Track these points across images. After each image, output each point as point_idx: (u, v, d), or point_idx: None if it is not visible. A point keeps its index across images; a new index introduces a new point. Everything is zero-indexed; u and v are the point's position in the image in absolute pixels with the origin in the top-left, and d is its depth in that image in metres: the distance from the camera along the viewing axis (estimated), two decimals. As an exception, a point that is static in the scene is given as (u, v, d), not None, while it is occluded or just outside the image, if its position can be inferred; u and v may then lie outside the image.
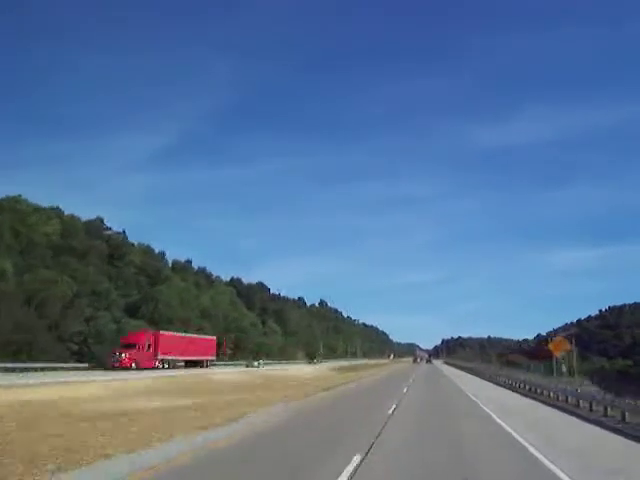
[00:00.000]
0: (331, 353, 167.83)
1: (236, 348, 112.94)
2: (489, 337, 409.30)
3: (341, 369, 79.18)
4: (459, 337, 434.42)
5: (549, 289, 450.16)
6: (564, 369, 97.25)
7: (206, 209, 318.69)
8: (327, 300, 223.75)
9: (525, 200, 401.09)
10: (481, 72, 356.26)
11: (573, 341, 48.26)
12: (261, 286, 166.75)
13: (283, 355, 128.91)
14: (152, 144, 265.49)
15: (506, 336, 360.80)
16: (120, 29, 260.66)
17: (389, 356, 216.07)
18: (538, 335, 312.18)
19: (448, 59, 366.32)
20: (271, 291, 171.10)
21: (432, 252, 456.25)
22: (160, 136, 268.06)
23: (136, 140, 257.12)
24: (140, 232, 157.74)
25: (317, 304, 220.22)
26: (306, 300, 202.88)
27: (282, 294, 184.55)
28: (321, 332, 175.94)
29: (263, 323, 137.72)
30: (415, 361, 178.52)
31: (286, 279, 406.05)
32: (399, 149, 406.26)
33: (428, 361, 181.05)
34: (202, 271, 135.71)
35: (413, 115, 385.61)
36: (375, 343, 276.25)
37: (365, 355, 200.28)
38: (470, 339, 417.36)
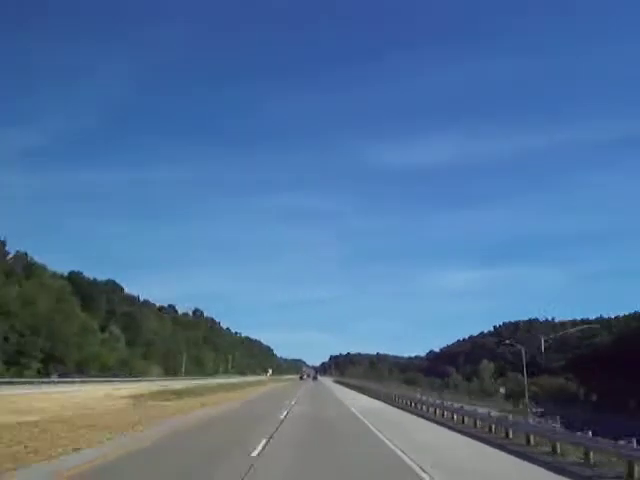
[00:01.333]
0: (197, 369, 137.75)
1: (50, 359, 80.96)
2: (378, 353, 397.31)
3: (176, 393, 49.91)
4: (348, 353, 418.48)
5: (439, 308, 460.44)
6: (502, 391, 71.74)
7: (84, 210, 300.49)
8: (203, 309, 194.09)
9: (423, 221, 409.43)
10: (390, 92, 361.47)
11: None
12: (112, 285, 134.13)
13: (126, 370, 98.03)
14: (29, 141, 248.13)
15: (395, 353, 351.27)
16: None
17: (266, 372, 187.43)
18: (430, 351, 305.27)
19: (358, 76, 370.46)
20: (129, 293, 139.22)
21: (332, 268, 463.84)
22: (39, 134, 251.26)
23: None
24: None
25: (191, 313, 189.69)
26: (178, 308, 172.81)
27: (144, 297, 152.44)
28: (191, 344, 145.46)
29: (102, 329, 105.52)
30: (302, 378, 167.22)
31: (175, 290, 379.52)
32: (305, 163, 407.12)
33: (314, 378, 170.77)
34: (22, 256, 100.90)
35: (321, 130, 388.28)
36: (257, 359, 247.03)
37: (243, 371, 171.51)
38: (359, 355, 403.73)
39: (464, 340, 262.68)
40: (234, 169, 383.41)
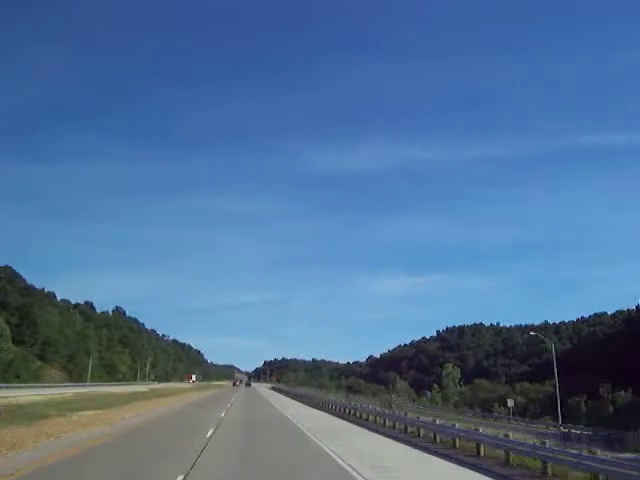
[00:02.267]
0: (108, 374, 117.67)
1: None
2: (314, 359, 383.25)
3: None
4: (283, 358, 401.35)
5: (373, 313, 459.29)
6: (510, 404, 57.77)
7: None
8: (125, 308, 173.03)
9: (355, 227, 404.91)
10: (328, 98, 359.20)
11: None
12: (9, 273, 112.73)
13: (10, 374, 77.80)
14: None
15: (332, 358, 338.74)
16: None
17: (189, 379, 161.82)
18: (370, 357, 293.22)
19: (298, 81, 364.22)
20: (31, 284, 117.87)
21: (263, 273, 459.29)
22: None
23: None
24: None
25: (111, 311, 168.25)
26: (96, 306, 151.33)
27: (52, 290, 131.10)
28: (104, 346, 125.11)
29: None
30: (235, 384, 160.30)
31: (97, 291, 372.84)
32: (238, 167, 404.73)
33: (247, 384, 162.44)
34: None
35: (255, 133, 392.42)
36: (184, 363, 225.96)
37: (168, 377, 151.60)
38: (295, 361, 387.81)
39: (406, 345, 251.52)
40: (162, 171, 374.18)
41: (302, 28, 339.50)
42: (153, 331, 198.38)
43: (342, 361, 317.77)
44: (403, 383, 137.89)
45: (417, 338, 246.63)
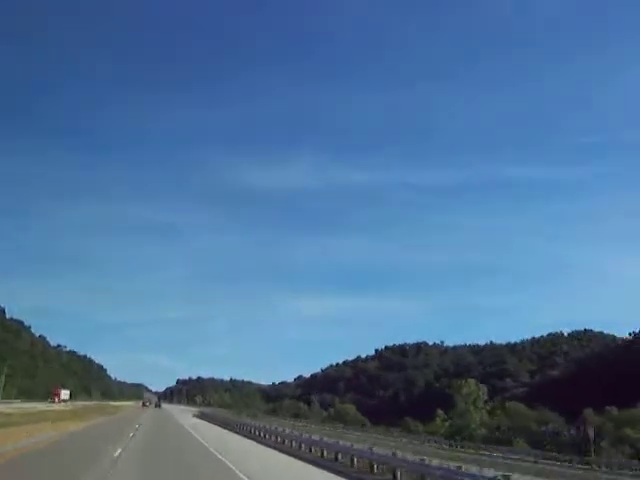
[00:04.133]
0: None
1: None
2: (232, 379, 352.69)
3: None
4: (199, 377, 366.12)
5: (296, 334, 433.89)
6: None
7: None
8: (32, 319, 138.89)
9: (281, 245, 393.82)
10: (260, 113, 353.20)
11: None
12: None
13: None
14: None
15: (252, 379, 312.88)
16: None
17: (56, 397, 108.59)
18: (299, 377, 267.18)
19: (230, 94, 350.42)
20: None
21: (180, 287, 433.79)
22: None
23: None
24: None
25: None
26: None
27: None
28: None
29: None
30: (145, 405, 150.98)
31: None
32: (164, 179, 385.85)
33: (157, 405, 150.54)
34: None
35: (183, 144, 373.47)
36: (81, 378, 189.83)
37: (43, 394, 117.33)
38: (213, 380, 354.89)
39: (339, 365, 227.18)
40: (81, 176, 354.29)
41: (239, 41, 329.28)
42: (41, 337, 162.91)
43: (264, 382, 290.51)
44: (350, 407, 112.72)
45: (350, 357, 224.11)
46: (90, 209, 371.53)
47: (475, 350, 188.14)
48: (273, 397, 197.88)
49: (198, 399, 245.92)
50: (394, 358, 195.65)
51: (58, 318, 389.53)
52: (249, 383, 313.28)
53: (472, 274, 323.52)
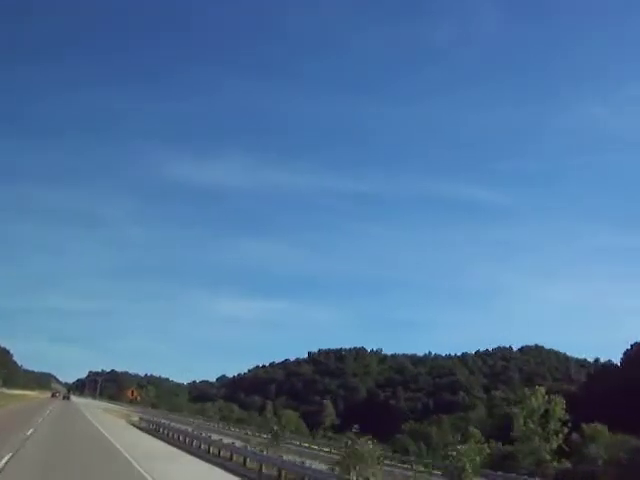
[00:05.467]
0: None
1: None
2: (148, 374, 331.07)
3: None
4: (112, 370, 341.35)
5: (216, 333, 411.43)
6: None
7: None
8: None
9: (205, 243, 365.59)
10: (197, 108, 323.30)
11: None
12: None
13: None
14: None
15: (167, 375, 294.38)
16: None
17: None
18: (222, 376, 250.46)
19: (167, 87, 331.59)
20: None
21: (96, 279, 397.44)
22: None
23: None
24: None
25: None
26: None
27: None
28: None
29: None
30: (54, 395, 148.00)
31: None
32: (87, 160, 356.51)
33: (66, 397, 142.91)
34: None
35: (112, 130, 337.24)
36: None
37: None
38: (127, 374, 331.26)
39: (268, 366, 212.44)
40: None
41: (179, 33, 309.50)
42: None
43: (182, 380, 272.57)
44: (292, 414, 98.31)
45: (279, 360, 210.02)
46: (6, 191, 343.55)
47: (415, 360, 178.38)
48: (196, 396, 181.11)
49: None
50: (330, 363, 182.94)
51: None
52: (167, 380, 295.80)
53: (391, 286, 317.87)
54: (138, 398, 66.27)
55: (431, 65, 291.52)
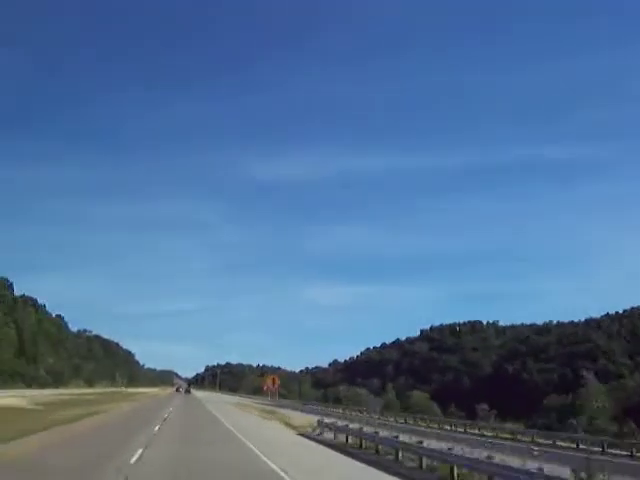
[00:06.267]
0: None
1: None
2: (261, 365, 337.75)
3: None
4: (227, 363, 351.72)
5: (317, 321, 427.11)
6: None
7: None
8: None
9: (297, 235, 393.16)
10: (269, 103, 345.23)
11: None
12: None
13: None
14: None
15: (279, 365, 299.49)
16: None
17: None
18: (334, 361, 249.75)
19: (231, 86, 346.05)
20: None
21: (202, 279, 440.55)
22: None
23: None
24: None
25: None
26: None
27: None
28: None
29: None
30: (178, 390, 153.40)
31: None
32: (172, 171, 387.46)
33: (187, 391, 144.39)
34: None
35: (194, 139, 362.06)
36: (101, 362, 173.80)
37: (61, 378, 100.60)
38: (241, 366, 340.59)
39: (381, 348, 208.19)
40: (98, 175, 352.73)
41: (243, 30, 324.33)
42: (59, 317, 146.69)
43: (294, 368, 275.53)
44: (420, 395, 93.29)
45: (389, 340, 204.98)
46: (118, 207, 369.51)
47: (537, 330, 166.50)
48: (314, 383, 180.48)
49: (224, 386, 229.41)
50: (445, 339, 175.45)
51: (87, 309, 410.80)
52: (279, 369, 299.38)
53: (490, 259, 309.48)
54: (277, 387, 56.37)
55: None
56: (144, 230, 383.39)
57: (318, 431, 32.23)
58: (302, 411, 62.01)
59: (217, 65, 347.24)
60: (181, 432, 27.66)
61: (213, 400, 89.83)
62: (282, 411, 57.85)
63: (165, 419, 36.04)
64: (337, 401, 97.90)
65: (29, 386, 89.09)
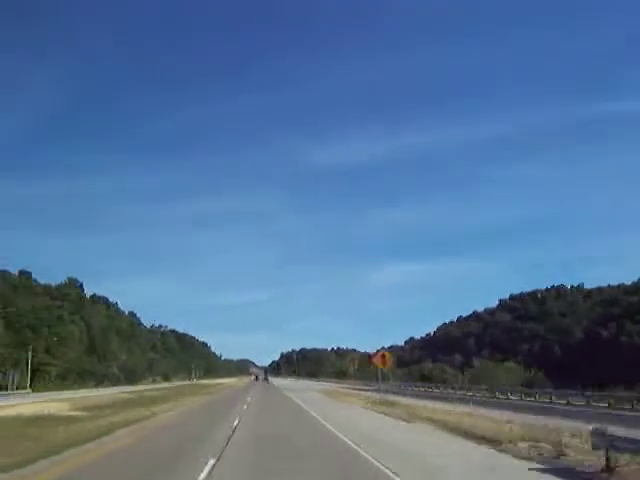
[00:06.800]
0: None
1: None
2: (336, 348, 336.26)
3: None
4: (302, 348, 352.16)
5: (385, 301, 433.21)
6: None
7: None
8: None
9: (357, 218, 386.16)
10: (319, 89, 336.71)
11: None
12: None
13: None
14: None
15: (353, 347, 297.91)
16: None
17: None
18: (411, 339, 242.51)
19: (279, 75, 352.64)
20: None
21: (268, 268, 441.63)
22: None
23: None
24: None
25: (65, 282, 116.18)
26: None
27: None
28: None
29: None
30: (257, 379, 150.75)
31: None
32: (230, 165, 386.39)
33: (265, 379, 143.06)
34: None
35: (253, 131, 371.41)
36: (176, 356, 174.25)
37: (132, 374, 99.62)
38: (315, 350, 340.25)
39: (457, 321, 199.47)
40: (156, 178, 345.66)
41: (293, 22, 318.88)
42: (132, 314, 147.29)
43: (368, 349, 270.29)
44: (515, 367, 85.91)
45: (466, 313, 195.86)
46: (178, 208, 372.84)
47: (628, 290, 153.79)
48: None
49: (303, 371, 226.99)
50: (528, 307, 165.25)
51: (161, 308, 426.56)
52: (354, 351, 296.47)
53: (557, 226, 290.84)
54: (391, 363, 42.97)
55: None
56: (209, 226, 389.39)
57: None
58: (419, 397, 49.99)
59: (269, 56, 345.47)
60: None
61: (296, 388, 79.30)
62: (402, 400, 42.64)
63: (235, 427, 22.79)
64: (424, 379, 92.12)
65: (99, 384, 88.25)
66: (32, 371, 72.67)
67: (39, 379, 75.49)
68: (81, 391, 66.26)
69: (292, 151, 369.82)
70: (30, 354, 71.70)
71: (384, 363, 42.36)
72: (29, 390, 68.32)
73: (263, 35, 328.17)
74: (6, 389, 66.95)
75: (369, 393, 56.16)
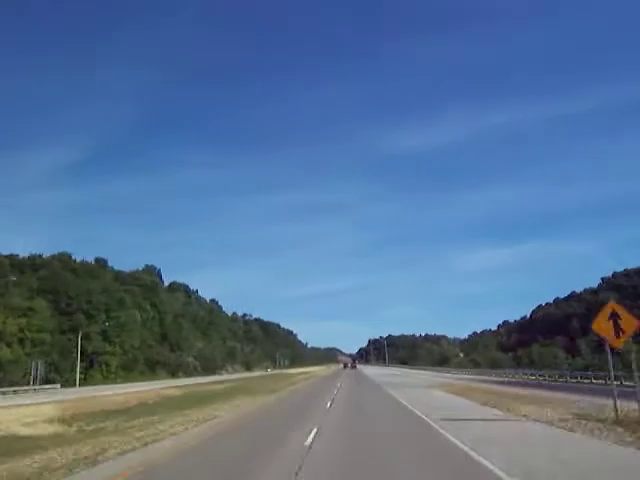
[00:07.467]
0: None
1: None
2: (424, 335, 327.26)
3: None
4: (389, 335, 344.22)
5: (470, 287, 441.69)
6: None
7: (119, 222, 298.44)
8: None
9: (439, 203, 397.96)
10: (394, 78, 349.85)
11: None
12: None
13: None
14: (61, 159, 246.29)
15: (443, 333, 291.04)
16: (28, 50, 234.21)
17: None
18: (505, 322, 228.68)
19: (361, 64, 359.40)
20: None
21: (352, 257, 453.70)
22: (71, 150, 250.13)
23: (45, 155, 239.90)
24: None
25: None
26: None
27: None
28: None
29: None
30: (345, 367, 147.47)
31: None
32: (318, 157, 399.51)
33: (353, 367, 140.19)
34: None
35: (331, 122, 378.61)
36: (263, 344, 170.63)
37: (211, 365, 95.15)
38: (403, 337, 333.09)
39: (554, 303, 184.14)
40: (242, 173, 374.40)
41: (370, 10, 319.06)
42: (213, 301, 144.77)
43: (458, 335, 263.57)
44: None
45: (562, 295, 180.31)
46: (264, 201, 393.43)
47: None
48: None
49: (394, 359, 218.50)
50: (636, 284, 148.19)
51: (246, 298, 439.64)
52: (444, 337, 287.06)
53: None
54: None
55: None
56: (291, 218, 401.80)
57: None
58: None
59: (345, 45, 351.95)
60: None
61: (395, 382, 52.91)
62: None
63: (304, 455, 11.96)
64: (532, 364, 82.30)
65: (174, 375, 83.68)
66: (88, 361, 67.57)
67: (95, 370, 70.71)
68: (137, 384, 59.60)
69: (368, 139, 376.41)
70: (80, 341, 64.80)
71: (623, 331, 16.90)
72: (57, 385, 58.90)
73: (342, 25, 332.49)
74: (29, 383, 57.61)
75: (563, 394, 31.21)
